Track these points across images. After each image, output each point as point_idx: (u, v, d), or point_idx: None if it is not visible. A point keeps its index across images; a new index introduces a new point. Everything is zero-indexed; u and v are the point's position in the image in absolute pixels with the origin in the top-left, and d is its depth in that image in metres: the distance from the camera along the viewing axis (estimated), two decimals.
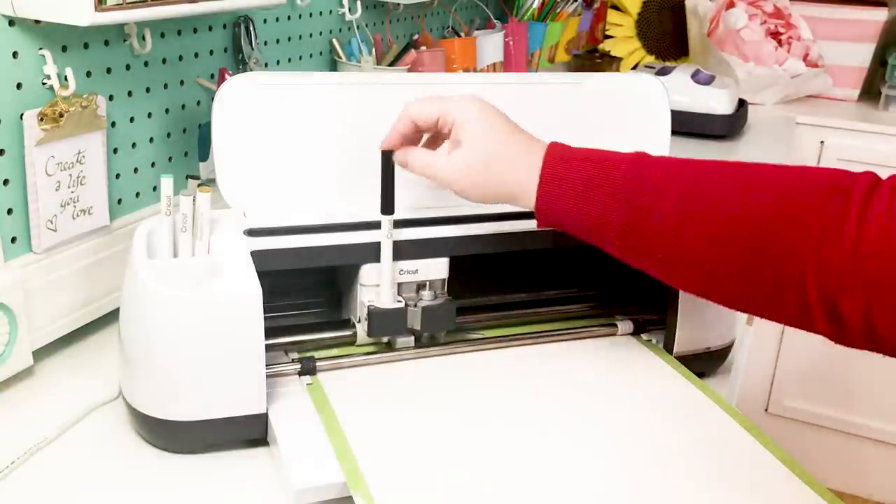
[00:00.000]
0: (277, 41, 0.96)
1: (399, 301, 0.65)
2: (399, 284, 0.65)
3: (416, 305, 0.65)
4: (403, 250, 0.64)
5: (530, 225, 0.69)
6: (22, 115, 0.63)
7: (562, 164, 0.57)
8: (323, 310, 0.72)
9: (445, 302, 0.66)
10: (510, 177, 0.57)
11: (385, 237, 0.62)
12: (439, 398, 0.62)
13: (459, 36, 1.40)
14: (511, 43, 1.52)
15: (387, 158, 0.61)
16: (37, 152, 0.64)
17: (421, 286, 0.66)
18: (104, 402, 0.63)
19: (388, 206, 0.61)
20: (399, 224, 0.63)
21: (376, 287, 0.64)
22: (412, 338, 0.67)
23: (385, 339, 0.67)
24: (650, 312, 0.76)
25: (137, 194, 0.78)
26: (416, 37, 1.22)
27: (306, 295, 0.73)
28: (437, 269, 0.66)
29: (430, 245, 0.65)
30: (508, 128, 0.59)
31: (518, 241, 0.68)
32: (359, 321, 0.66)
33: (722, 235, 0.51)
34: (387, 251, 0.63)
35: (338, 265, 0.67)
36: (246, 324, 0.55)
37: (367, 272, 0.64)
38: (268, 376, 0.57)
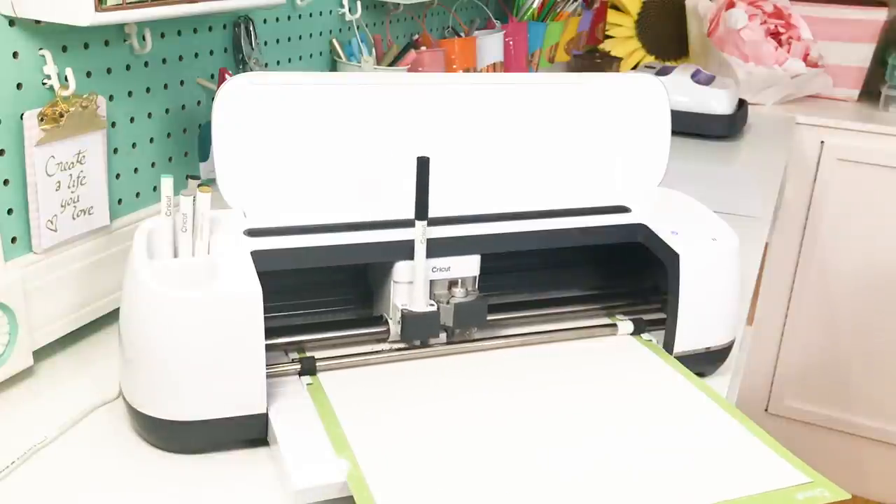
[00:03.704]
0: (277, 41, 0.97)
1: (432, 304, 0.65)
2: (431, 282, 0.65)
3: (447, 303, 0.66)
4: (434, 248, 0.64)
5: (514, 226, 0.69)
6: (22, 115, 0.63)
7: None
8: (350, 306, 0.73)
9: (478, 298, 0.67)
10: None
11: (419, 241, 0.63)
12: (439, 398, 0.62)
13: (459, 36, 1.40)
14: (511, 43, 1.52)
15: (422, 164, 0.61)
16: (37, 152, 0.64)
17: (453, 283, 0.66)
18: (104, 402, 0.63)
19: (422, 211, 0.62)
20: (430, 222, 0.64)
21: (409, 284, 0.65)
22: (444, 335, 0.68)
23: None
24: (650, 312, 0.76)
25: (137, 194, 0.78)
26: (416, 37, 1.23)
27: (326, 292, 0.73)
28: (468, 266, 0.66)
29: (462, 243, 0.66)
30: None
31: (500, 242, 0.68)
32: (391, 319, 0.66)
33: None
34: (420, 254, 0.63)
35: (347, 264, 0.67)
36: (246, 324, 0.55)
37: (401, 269, 0.64)
38: (268, 376, 0.57)
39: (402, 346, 0.67)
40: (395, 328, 0.66)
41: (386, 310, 0.67)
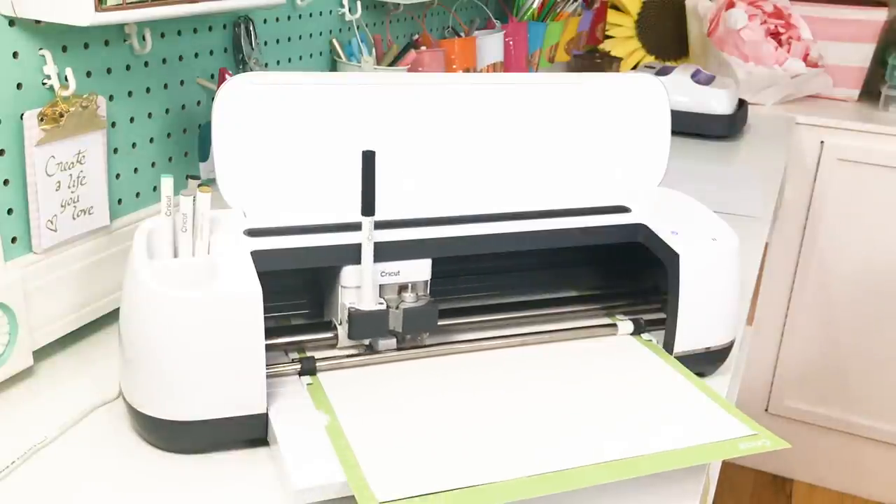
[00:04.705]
0: (277, 41, 0.97)
1: (381, 303, 0.64)
2: (381, 286, 0.65)
3: (397, 307, 0.65)
4: (385, 252, 0.63)
5: (515, 226, 0.69)
6: (22, 115, 0.63)
7: None
8: (308, 311, 0.72)
9: (427, 304, 0.66)
10: None
11: (366, 239, 0.62)
12: (440, 397, 0.62)
13: (459, 36, 1.40)
14: (511, 43, 1.52)
15: (367, 158, 0.61)
16: (37, 152, 0.64)
17: (403, 288, 0.66)
18: (104, 402, 0.63)
19: (368, 207, 0.61)
20: (380, 225, 0.63)
21: (358, 289, 0.64)
22: (394, 340, 0.66)
23: (366, 342, 0.66)
24: (650, 312, 0.76)
25: (137, 194, 0.78)
26: (416, 37, 1.22)
27: (292, 297, 0.72)
28: (419, 270, 0.66)
29: (411, 246, 0.65)
30: None
31: (502, 242, 0.68)
32: (340, 323, 0.65)
33: None
34: (367, 253, 0.62)
35: (327, 266, 0.67)
36: (246, 324, 0.55)
37: (349, 274, 0.64)
38: (268, 376, 0.57)
39: (363, 350, 0.66)
40: (343, 333, 0.65)
41: (335, 314, 0.66)
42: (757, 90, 1.86)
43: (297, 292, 0.72)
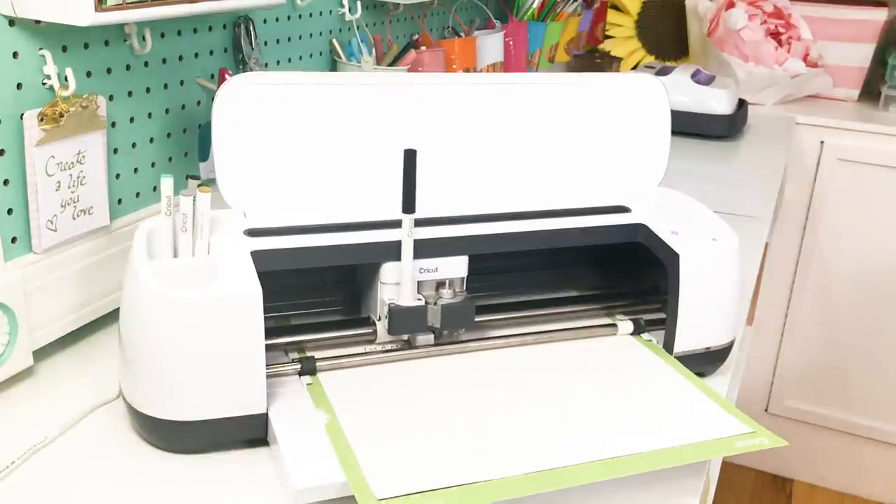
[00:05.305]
0: (277, 41, 0.97)
1: (419, 299, 0.65)
2: (418, 283, 0.65)
3: (435, 304, 0.65)
4: (422, 249, 0.64)
5: (514, 226, 0.69)
6: (22, 115, 0.63)
7: None
8: (340, 307, 0.72)
9: (465, 300, 0.66)
10: None
11: (406, 236, 0.62)
12: (439, 397, 0.62)
13: (459, 36, 1.40)
14: (511, 43, 1.52)
15: (409, 157, 0.61)
16: (37, 152, 0.64)
17: (440, 284, 0.66)
18: (104, 402, 0.63)
19: (409, 204, 0.62)
20: (418, 223, 0.64)
21: (396, 285, 0.64)
22: (432, 336, 0.67)
23: (405, 337, 0.67)
24: (650, 312, 0.76)
25: (137, 194, 0.78)
26: (416, 37, 1.22)
27: (320, 294, 0.73)
28: (456, 267, 0.66)
29: (449, 244, 0.66)
30: None
31: (502, 242, 0.68)
32: (379, 319, 0.66)
33: None
34: (408, 250, 0.63)
35: (345, 265, 0.67)
36: (246, 324, 0.55)
37: (388, 270, 0.64)
38: (268, 376, 0.57)
39: (400, 346, 0.67)
40: (382, 329, 0.66)
41: (373, 311, 0.67)
42: (757, 90, 1.86)
43: (327, 290, 0.73)
